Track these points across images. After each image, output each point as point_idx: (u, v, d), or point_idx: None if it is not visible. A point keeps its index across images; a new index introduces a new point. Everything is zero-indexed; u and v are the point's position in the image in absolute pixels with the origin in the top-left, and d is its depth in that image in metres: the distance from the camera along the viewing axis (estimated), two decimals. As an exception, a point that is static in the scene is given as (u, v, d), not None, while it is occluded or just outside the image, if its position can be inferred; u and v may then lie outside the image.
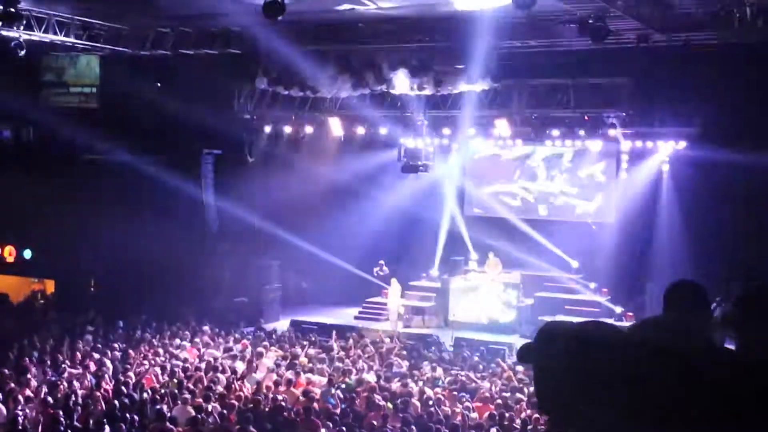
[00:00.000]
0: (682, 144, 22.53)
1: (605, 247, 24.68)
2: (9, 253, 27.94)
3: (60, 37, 20.69)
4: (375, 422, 13.32)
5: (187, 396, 14.53)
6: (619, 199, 25.39)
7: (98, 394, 14.71)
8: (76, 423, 12.68)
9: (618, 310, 22.83)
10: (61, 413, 12.91)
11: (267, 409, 14.27)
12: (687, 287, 3.44)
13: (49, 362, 16.99)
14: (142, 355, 18.31)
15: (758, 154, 19.29)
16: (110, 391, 14.96)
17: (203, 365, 17.47)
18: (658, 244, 23.06)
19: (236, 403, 14.28)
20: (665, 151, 23.38)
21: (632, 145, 23.79)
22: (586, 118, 21.89)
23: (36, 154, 27.92)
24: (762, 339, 2.88)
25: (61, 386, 14.97)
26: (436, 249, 26.52)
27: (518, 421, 13.77)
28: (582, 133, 22.52)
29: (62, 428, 12.26)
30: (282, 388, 15.85)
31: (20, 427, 12.43)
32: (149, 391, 15.03)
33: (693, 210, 22.31)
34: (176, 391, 14.94)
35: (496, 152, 27.15)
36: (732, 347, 2.80)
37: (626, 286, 23.43)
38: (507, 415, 13.94)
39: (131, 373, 16.40)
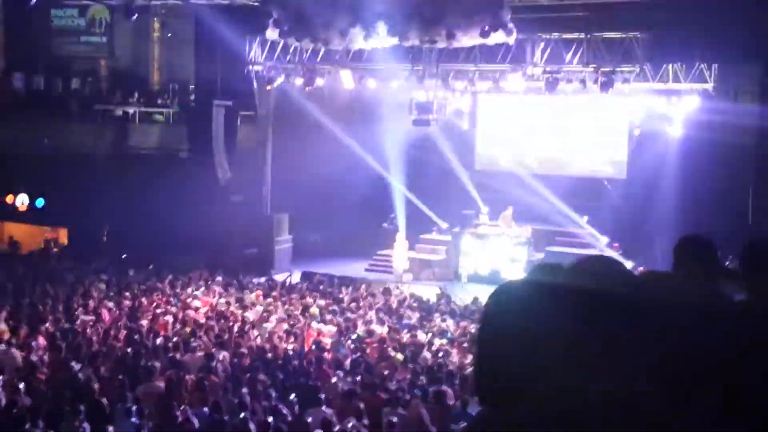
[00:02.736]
0: (696, 99, 22.37)
1: (617, 202, 24.69)
2: (22, 201, 28.10)
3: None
4: (385, 372, 13.47)
5: (199, 344, 14.70)
6: (632, 154, 25.32)
7: (111, 342, 14.90)
8: (88, 370, 12.84)
9: (629, 264, 22.86)
10: (73, 360, 13.08)
11: (278, 358, 14.43)
12: (696, 242, 3.47)
13: (62, 310, 17.17)
14: (154, 304, 18.46)
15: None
16: (123, 339, 15.14)
17: (215, 314, 17.64)
18: (670, 199, 22.99)
19: (247, 352, 14.44)
20: (679, 107, 23.22)
21: (646, 100, 23.63)
22: (599, 72, 21.72)
23: (48, 102, 27.94)
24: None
25: (74, 334, 15.17)
26: (447, 202, 26.52)
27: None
28: (595, 88, 22.35)
29: (75, 375, 12.43)
30: (293, 339, 16.02)
31: (34, 374, 12.62)
32: (162, 339, 15.21)
33: (705, 165, 22.21)
34: (188, 339, 15.09)
35: (508, 106, 27.06)
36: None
37: (637, 241, 23.45)
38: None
39: (144, 322, 16.57)
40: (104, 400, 11.11)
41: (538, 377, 1.76)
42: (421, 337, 16.51)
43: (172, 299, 18.99)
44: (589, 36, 21.72)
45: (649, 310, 1.93)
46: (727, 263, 3.38)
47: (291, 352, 14.82)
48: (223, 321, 16.96)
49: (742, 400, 1.85)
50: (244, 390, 12.01)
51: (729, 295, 2.98)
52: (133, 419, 10.59)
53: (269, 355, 14.54)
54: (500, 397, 1.83)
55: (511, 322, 1.84)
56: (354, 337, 16.25)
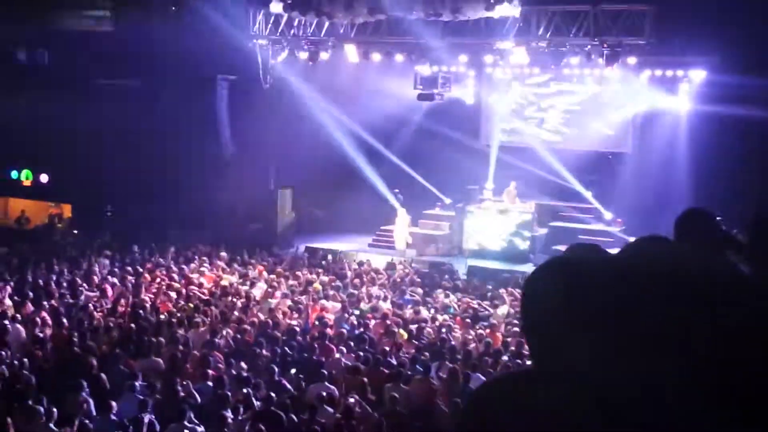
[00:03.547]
0: (703, 72, 22.21)
1: (621, 177, 24.57)
2: (26, 177, 28.07)
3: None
4: (388, 348, 13.47)
5: (202, 320, 14.70)
6: (637, 129, 25.17)
7: (114, 317, 14.91)
8: (91, 345, 12.86)
9: (632, 240, 22.78)
10: (77, 335, 13.09)
11: (281, 334, 14.42)
12: (698, 215, 3.40)
13: (66, 285, 17.17)
14: (158, 279, 18.46)
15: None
16: (126, 314, 15.14)
17: (219, 290, 17.63)
18: (675, 173, 22.89)
19: (251, 328, 14.43)
20: (685, 81, 23.07)
21: (652, 74, 23.48)
22: (605, 46, 21.53)
23: (51, 77, 27.77)
24: None
25: (78, 309, 15.18)
26: (451, 178, 26.39)
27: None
28: (601, 61, 22.17)
29: (78, 350, 12.44)
30: (296, 314, 16.01)
31: (38, 350, 12.64)
32: (165, 314, 15.21)
33: (711, 138, 22.08)
34: (192, 315, 15.09)
35: (513, 80, 26.87)
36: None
37: (642, 216, 23.35)
38: (518, 342, 14.03)
39: (147, 297, 16.57)
40: (104, 376, 11.14)
41: (569, 346, 1.87)
42: (424, 312, 16.49)
43: (175, 275, 18.98)
44: (594, 9, 21.53)
45: (680, 285, 1.92)
46: (732, 234, 3.30)
47: (295, 328, 14.81)
48: (226, 297, 16.95)
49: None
50: (247, 365, 12.03)
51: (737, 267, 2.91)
52: (137, 394, 10.62)
53: (273, 331, 14.53)
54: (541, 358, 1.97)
55: (547, 301, 1.97)
56: (357, 313, 16.23)
